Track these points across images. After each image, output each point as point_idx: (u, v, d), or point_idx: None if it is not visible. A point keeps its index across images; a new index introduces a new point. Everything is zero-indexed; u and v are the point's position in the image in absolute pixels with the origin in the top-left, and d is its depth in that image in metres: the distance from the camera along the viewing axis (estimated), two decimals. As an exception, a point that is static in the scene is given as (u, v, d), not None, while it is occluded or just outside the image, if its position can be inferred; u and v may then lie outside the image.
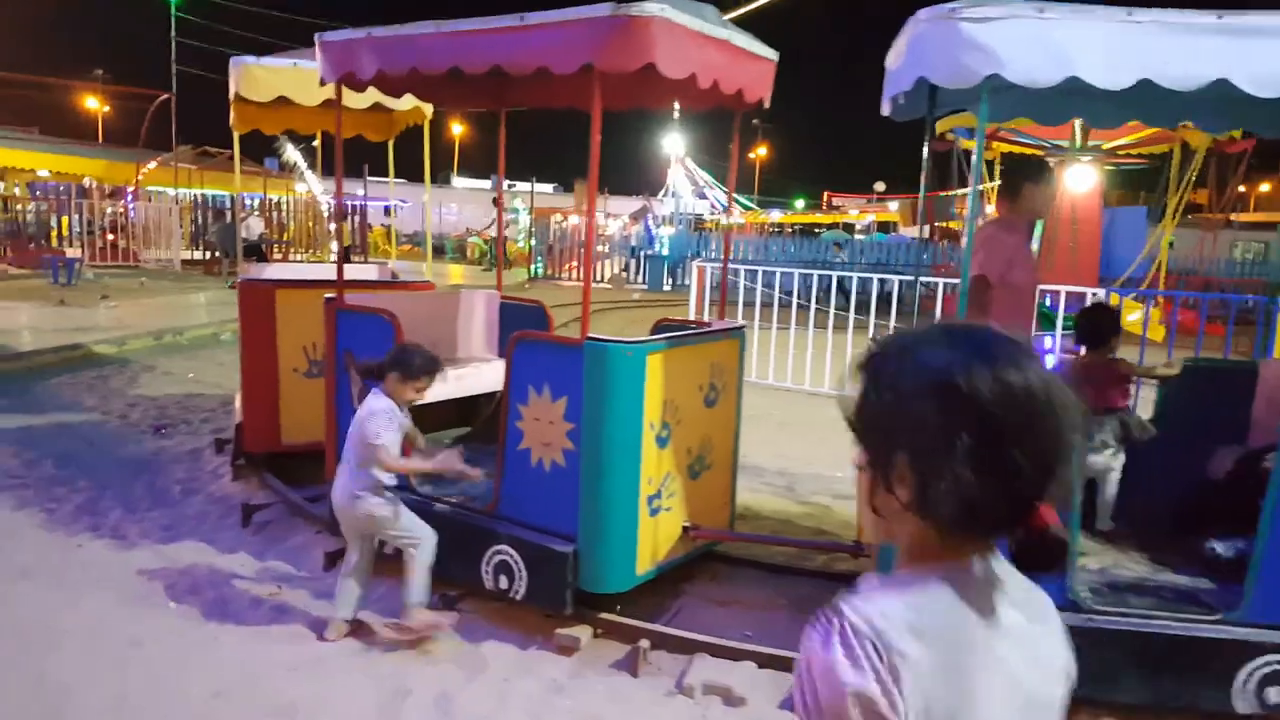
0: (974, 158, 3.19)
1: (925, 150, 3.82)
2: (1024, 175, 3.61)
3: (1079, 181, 12.08)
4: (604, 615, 3.50)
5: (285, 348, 4.93)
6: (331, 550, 4.10)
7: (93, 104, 37.00)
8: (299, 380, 5.00)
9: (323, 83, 3.96)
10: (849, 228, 34.78)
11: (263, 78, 4.86)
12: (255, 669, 3.19)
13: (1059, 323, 7.47)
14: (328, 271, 6.12)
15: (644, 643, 3.32)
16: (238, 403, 5.55)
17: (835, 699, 0.76)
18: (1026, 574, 0.86)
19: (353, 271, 6.20)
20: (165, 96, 19.97)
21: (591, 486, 3.39)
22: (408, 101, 5.09)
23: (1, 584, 3.81)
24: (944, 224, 33.34)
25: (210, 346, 10.12)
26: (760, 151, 55.78)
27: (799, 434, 6.70)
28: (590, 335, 3.37)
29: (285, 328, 4.91)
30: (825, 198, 43.63)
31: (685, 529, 3.77)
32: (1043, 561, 0.85)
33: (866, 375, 0.86)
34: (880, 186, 32.46)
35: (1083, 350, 3.76)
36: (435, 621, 3.37)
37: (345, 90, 4.00)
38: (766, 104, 3.87)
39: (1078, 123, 10.90)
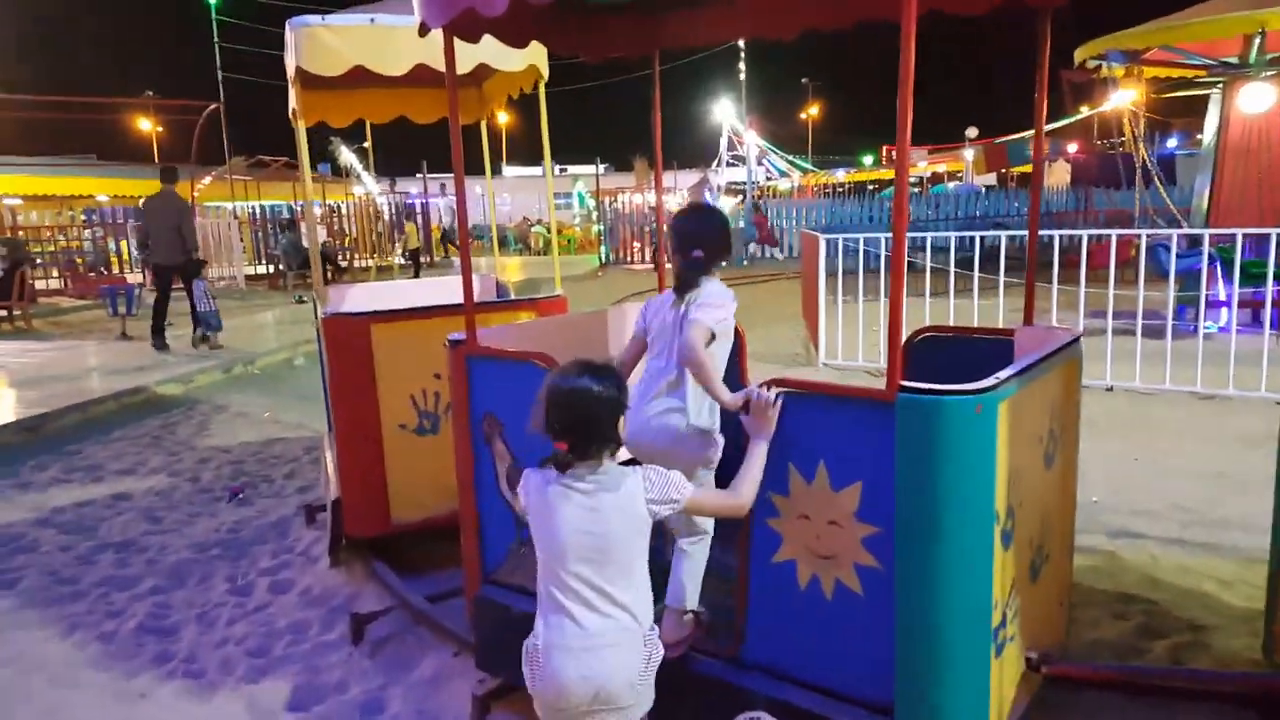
0: None
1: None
2: None
3: (1256, 102, 10.17)
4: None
5: (388, 399, 3.71)
6: (481, 693, 2.87)
7: (145, 125, 36.78)
8: (407, 439, 3.78)
9: (423, 30, 2.70)
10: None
11: (333, 43, 3.61)
12: None
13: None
14: (424, 293, 4.91)
15: None
16: (329, 467, 4.38)
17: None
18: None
19: (448, 289, 5.01)
20: (214, 106, 19.19)
21: (918, 627, 2.07)
22: (520, 60, 3.81)
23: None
24: (1014, 170, 31.00)
25: (284, 375, 9.11)
26: (812, 111, 54.09)
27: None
28: (904, 383, 2.04)
29: (386, 373, 3.68)
30: (884, 152, 41.89)
31: (1029, 661, 2.45)
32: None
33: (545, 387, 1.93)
34: (972, 132, 30.14)
35: None
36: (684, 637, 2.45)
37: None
38: None
39: (1254, 36, 9.19)
